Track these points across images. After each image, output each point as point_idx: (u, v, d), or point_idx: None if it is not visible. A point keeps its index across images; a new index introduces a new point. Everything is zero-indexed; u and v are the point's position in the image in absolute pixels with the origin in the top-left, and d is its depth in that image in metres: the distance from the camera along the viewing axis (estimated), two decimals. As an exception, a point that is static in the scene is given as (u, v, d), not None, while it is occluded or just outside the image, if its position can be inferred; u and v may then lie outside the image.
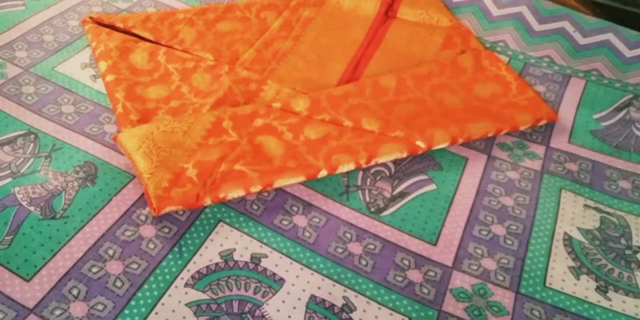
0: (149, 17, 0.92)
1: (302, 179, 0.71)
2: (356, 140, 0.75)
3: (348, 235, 0.68)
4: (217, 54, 0.89)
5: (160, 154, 0.69)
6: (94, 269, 0.61)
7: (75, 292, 0.59)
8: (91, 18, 0.92)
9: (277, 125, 0.77)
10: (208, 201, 0.67)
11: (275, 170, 0.70)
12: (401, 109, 0.82)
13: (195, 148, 0.71)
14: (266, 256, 0.65)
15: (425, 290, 0.64)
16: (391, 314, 0.61)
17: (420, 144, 0.76)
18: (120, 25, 0.90)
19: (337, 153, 0.73)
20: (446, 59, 0.92)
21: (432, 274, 0.66)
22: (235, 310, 0.60)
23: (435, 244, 0.69)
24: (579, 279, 0.67)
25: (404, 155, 0.76)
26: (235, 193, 0.68)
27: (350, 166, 0.73)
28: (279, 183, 0.70)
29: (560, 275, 0.67)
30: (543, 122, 0.84)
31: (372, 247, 0.68)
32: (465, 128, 0.79)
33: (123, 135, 0.72)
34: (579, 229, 0.72)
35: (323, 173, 0.72)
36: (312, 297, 0.62)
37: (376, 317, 0.61)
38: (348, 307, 0.61)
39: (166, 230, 0.66)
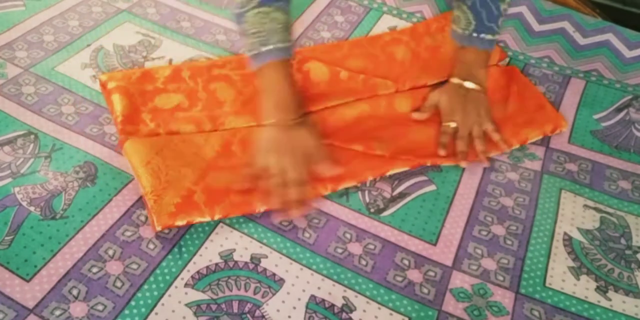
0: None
1: None
2: (365, 164, 0.75)
3: (348, 236, 0.69)
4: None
5: (169, 173, 0.68)
6: (94, 269, 0.61)
7: (75, 292, 0.59)
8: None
9: None
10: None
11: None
12: (414, 133, 0.81)
13: (206, 168, 0.70)
14: (266, 256, 0.65)
15: (425, 290, 0.64)
16: (391, 314, 0.61)
17: (427, 163, 0.77)
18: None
19: (346, 181, 0.72)
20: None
21: (432, 274, 0.66)
22: (235, 311, 0.60)
23: (435, 244, 0.69)
24: (578, 279, 0.67)
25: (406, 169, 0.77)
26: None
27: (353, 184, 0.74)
28: None
29: (560, 275, 0.67)
30: (556, 132, 0.84)
31: (372, 247, 0.68)
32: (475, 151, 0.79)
33: (130, 145, 0.70)
34: (578, 229, 0.72)
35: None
36: (312, 297, 0.62)
37: (376, 317, 0.61)
38: (348, 307, 0.61)
39: (166, 230, 0.66)
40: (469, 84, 0.82)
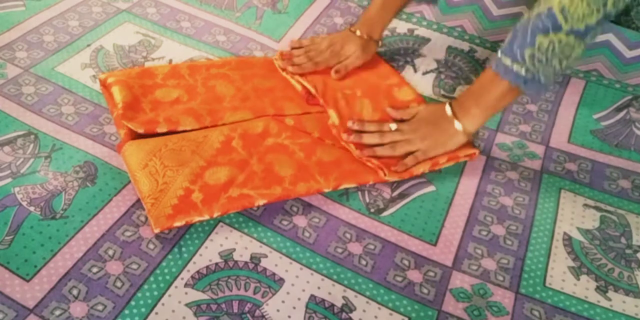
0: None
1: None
2: (367, 167, 0.75)
3: (348, 235, 0.69)
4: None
5: (166, 174, 0.68)
6: (94, 269, 0.61)
7: (75, 292, 0.59)
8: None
9: (289, 144, 0.75)
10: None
11: (282, 195, 0.69)
12: None
13: (204, 165, 0.70)
14: (266, 256, 0.65)
15: (425, 290, 0.64)
16: (391, 314, 0.61)
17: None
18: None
19: (348, 181, 0.72)
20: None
21: (432, 274, 0.66)
22: (235, 310, 0.60)
23: (435, 244, 0.69)
24: (578, 279, 0.67)
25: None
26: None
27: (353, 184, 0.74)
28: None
29: (560, 275, 0.67)
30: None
31: (372, 247, 0.68)
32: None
33: (129, 149, 0.70)
34: (578, 228, 0.72)
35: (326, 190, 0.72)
36: (312, 297, 0.62)
37: (376, 317, 0.61)
38: (348, 307, 0.61)
39: (166, 230, 0.66)
40: (456, 123, 0.74)
